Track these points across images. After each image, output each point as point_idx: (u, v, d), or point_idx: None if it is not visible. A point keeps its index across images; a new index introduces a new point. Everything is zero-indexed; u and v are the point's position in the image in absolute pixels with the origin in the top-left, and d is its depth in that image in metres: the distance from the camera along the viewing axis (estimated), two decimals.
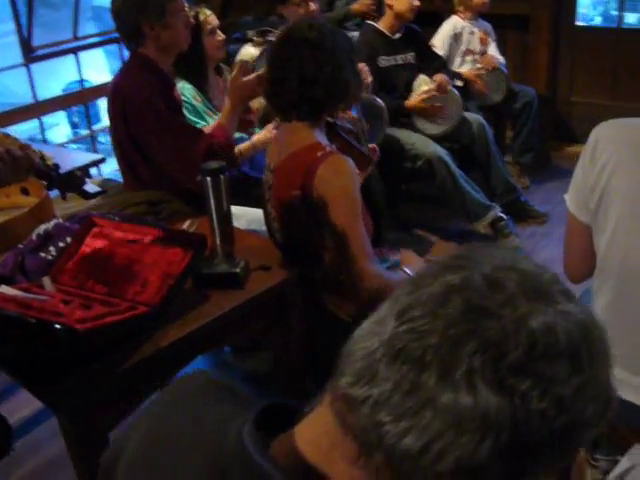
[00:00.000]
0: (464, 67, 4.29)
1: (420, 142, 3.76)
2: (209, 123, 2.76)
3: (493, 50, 4.34)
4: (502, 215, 3.79)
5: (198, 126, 2.66)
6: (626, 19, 5.12)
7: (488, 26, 4.33)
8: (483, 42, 4.29)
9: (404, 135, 3.78)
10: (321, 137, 2.05)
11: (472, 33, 4.27)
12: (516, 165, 4.49)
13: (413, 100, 3.79)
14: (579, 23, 4.99)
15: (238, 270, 1.90)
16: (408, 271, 2.15)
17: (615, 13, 5.16)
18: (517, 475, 0.63)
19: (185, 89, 2.80)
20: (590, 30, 5.21)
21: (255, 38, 2.59)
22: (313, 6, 3.38)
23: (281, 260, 2.06)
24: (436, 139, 3.83)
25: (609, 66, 4.88)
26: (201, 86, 2.89)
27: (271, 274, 1.96)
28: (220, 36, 2.95)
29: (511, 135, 4.54)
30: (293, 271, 1.98)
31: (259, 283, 1.92)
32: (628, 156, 1.64)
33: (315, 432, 0.70)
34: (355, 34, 4.07)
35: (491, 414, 0.59)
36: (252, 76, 2.34)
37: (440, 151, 3.73)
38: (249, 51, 2.54)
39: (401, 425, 0.61)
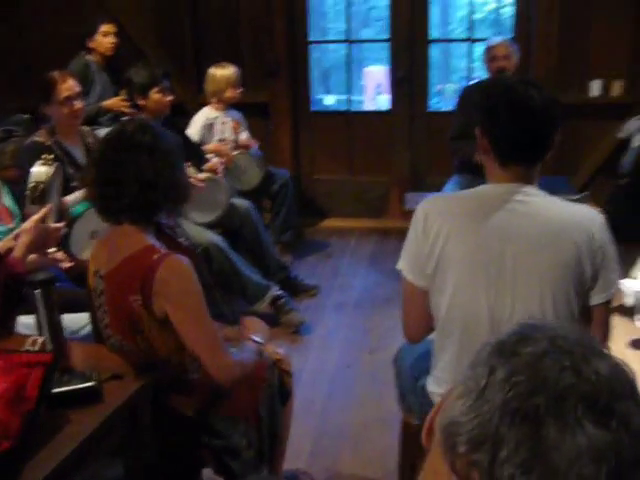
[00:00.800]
0: (218, 156, 4.42)
1: (195, 231, 3.78)
2: None
3: (245, 137, 4.55)
4: (280, 293, 3.92)
5: None
6: (354, 100, 5.71)
7: (239, 115, 4.54)
8: (235, 131, 4.48)
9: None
10: (152, 239, 2.02)
11: (224, 123, 4.44)
12: (278, 244, 4.69)
13: None
14: (314, 108, 5.45)
15: (94, 383, 1.77)
16: (257, 339, 2.21)
17: (345, 97, 5.72)
18: None
19: None
20: (325, 114, 5.71)
21: (44, 156, 2.46)
22: (78, 104, 3.30)
23: (124, 366, 1.95)
24: (207, 226, 3.89)
25: (344, 144, 5.37)
26: None
27: (124, 382, 1.85)
28: None
29: (270, 216, 4.75)
30: (148, 376, 1.89)
31: (115, 393, 1.80)
32: (458, 226, 1.86)
33: None
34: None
35: (601, 446, 0.72)
36: (58, 225, 2.25)
37: (215, 238, 3.79)
38: (42, 170, 2.39)
39: (533, 474, 0.71)
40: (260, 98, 5.10)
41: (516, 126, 1.84)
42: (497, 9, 10.23)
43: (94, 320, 2.13)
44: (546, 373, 0.75)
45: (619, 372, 0.78)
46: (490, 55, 4.16)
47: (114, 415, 1.74)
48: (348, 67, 5.57)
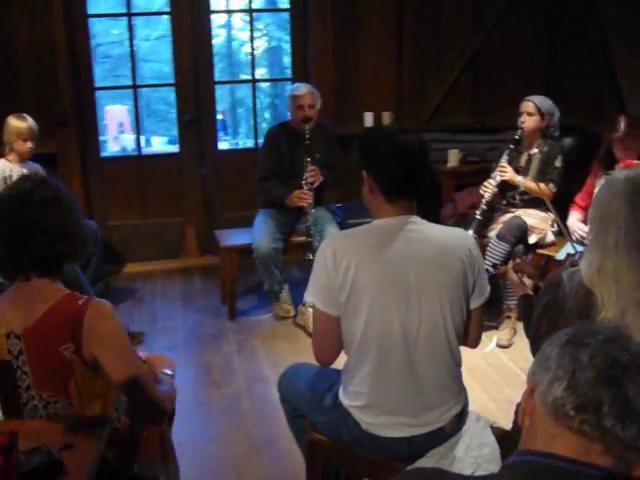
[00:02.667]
0: None
1: None
2: None
3: None
4: None
5: None
6: (151, 143, 5.73)
7: (38, 167, 4.39)
8: None
9: None
10: (63, 288, 2.07)
11: (22, 175, 4.27)
12: None
13: None
14: (104, 154, 5.40)
15: (57, 456, 1.74)
16: (168, 372, 2.34)
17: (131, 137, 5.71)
18: None
19: None
20: (115, 160, 5.67)
21: None
22: None
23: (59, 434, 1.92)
24: None
25: (137, 189, 5.39)
26: None
27: (78, 451, 1.83)
28: None
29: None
30: (96, 440, 1.89)
31: (74, 463, 1.78)
32: (365, 257, 2.14)
33: (566, 445, 1.11)
34: None
35: None
36: None
37: None
38: None
39: (626, 420, 1.06)
40: (47, 149, 4.91)
41: (401, 168, 2.15)
42: (228, 41, 10.78)
43: (11, 387, 2.05)
44: (613, 354, 1.11)
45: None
46: (296, 104, 4.40)
47: None
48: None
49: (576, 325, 1.22)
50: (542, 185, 4.06)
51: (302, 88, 4.48)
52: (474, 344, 2.40)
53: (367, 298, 2.12)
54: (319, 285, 2.19)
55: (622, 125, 3.79)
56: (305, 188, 4.36)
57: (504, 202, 4.37)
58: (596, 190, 3.98)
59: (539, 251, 4.07)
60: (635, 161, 3.69)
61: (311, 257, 4.27)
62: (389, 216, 2.19)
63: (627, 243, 1.93)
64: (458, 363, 2.25)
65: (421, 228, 2.19)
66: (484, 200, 4.20)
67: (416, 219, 2.20)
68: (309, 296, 2.22)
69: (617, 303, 1.90)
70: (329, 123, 4.90)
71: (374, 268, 2.12)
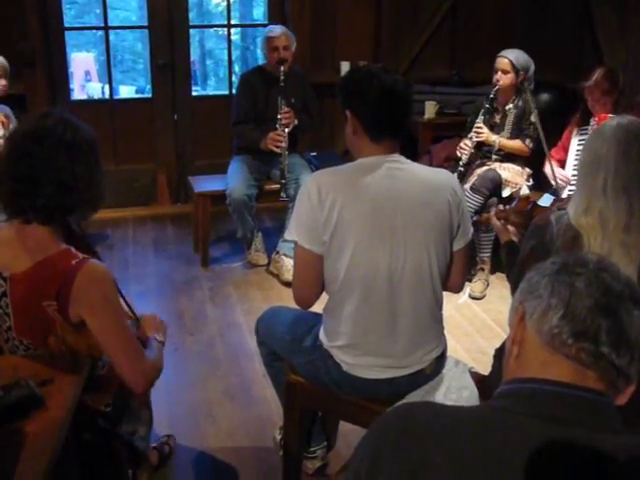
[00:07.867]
0: None
1: None
2: None
3: None
4: None
5: None
6: (119, 92, 5.57)
7: (7, 109, 4.26)
8: (4, 126, 4.21)
9: None
10: (64, 242, 1.93)
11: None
12: None
13: None
14: (76, 97, 5.25)
15: (37, 390, 1.71)
16: (159, 338, 2.23)
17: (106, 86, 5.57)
18: None
19: None
20: (87, 103, 5.51)
21: None
22: None
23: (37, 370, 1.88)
24: None
25: (108, 134, 5.26)
26: None
27: (57, 386, 1.79)
28: None
29: None
30: (78, 375, 1.85)
31: (54, 398, 1.74)
32: (351, 194, 2.11)
33: (562, 371, 1.09)
34: None
35: None
36: None
37: None
38: None
39: (621, 349, 1.07)
40: (15, 90, 4.76)
41: (386, 107, 2.12)
42: None
43: None
44: (606, 282, 1.11)
45: (631, 278, 1.17)
46: (271, 46, 4.32)
47: (67, 418, 1.70)
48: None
49: (563, 254, 1.20)
50: (518, 142, 4.10)
51: (277, 29, 4.41)
52: (458, 288, 2.39)
53: (352, 236, 2.10)
54: (303, 222, 2.15)
55: (596, 75, 3.83)
56: (279, 130, 4.29)
57: (480, 155, 4.37)
58: (572, 143, 4.03)
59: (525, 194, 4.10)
60: (610, 115, 3.71)
61: (285, 197, 4.24)
62: (373, 155, 2.16)
63: (615, 187, 1.94)
64: (440, 305, 2.24)
65: (407, 167, 2.17)
66: (461, 162, 4.20)
67: (401, 158, 2.18)
68: (292, 234, 2.18)
69: (603, 244, 1.93)
70: (304, 70, 4.83)
71: (360, 206, 2.10)
